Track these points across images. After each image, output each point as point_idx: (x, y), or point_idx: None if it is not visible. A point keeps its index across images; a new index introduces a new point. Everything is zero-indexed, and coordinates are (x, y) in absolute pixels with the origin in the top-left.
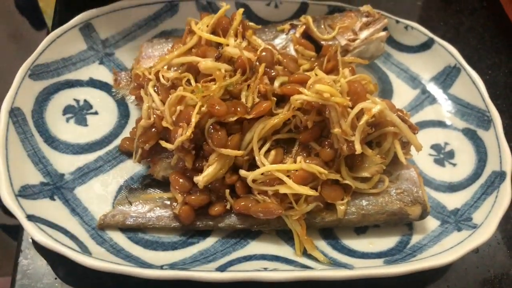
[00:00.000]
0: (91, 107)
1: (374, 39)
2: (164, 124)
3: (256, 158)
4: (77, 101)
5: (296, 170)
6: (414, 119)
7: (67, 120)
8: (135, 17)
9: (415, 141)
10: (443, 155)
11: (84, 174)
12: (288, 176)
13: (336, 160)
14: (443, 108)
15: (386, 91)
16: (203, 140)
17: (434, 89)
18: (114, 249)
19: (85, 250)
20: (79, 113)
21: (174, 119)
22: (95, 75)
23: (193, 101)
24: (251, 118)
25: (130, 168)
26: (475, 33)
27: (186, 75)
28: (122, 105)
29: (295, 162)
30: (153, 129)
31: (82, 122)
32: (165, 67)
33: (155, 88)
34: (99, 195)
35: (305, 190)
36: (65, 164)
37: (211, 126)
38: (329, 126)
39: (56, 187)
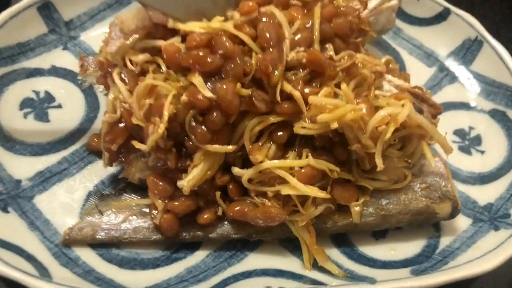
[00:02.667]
0: (53, 99)
1: (384, 9)
2: (134, 120)
3: (250, 155)
4: (37, 93)
5: (302, 167)
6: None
7: (25, 115)
8: None
9: (445, 144)
10: (468, 142)
11: (46, 179)
12: (291, 174)
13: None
14: (465, 87)
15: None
16: (185, 136)
17: (453, 66)
18: (82, 271)
19: (44, 273)
20: (39, 107)
21: (144, 113)
22: (58, 62)
23: (166, 90)
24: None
25: (101, 170)
26: (491, 3)
27: (155, 59)
28: (90, 95)
29: (299, 157)
30: (121, 125)
31: (43, 117)
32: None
33: (122, 75)
34: (63, 204)
35: (313, 191)
36: (22, 168)
37: (193, 119)
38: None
39: (11, 196)
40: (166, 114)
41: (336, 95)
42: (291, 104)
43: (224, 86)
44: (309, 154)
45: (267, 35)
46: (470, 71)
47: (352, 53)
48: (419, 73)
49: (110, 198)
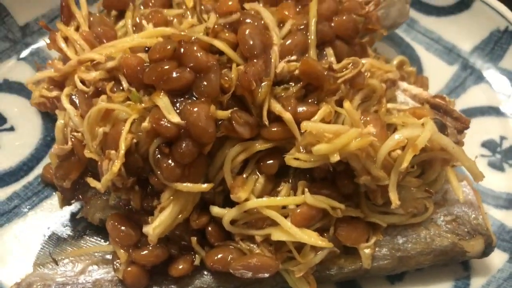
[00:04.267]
0: (4, 120)
1: (396, 0)
2: (87, 153)
3: (231, 193)
4: None
5: (298, 205)
6: (455, 107)
7: None
8: None
9: (475, 170)
10: (500, 155)
11: None
12: (284, 213)
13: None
14: (494, 89)
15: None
16: (149, 170)
17: (478, 63)
18: None
19: None
20: None
21: (99, 144)
22: (12, 75)
23: (125, 113)
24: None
25: (57, 207)
26: None
27: (115, 73)
28: (48, 115)
29: (293, 190)
30: (74, 157)
31: None
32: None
33: (73, 97)
34: (12, 250)
35: (311, 238)
36: None
37: (158, 150)
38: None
39: None
40: (123, 147)
41: (338, 115)
42: (281, 128)
43: (196, 109)
44: (306, 188)
45: (250, 41)
46: (499, 69)
47: (357, 60)
48: (439, 73)
49: (67, 242)
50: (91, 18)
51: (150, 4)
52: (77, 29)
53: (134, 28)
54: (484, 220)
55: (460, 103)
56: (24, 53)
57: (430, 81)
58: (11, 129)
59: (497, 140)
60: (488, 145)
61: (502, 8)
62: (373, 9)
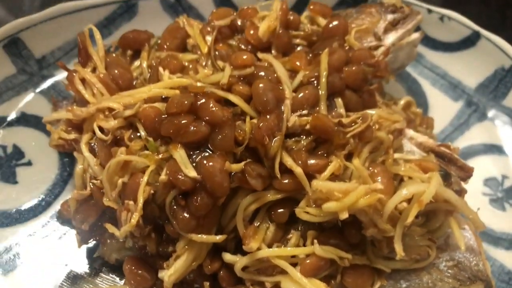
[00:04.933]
0: (22, 155)
1: (404, 44)
2: (106, 201)
3: (244, 243)
4: (4, 147)
5: (307, 255)
6: (459, 144)
7: None
8: (80, 25)
9: (477, 221)
10: (501, 194)
11: (12, 257)
12: (293, 262)
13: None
14: (497, 127)
15: (418, 106)
16: (165, 219)
17: (482, 100)
18: None
19: None
20: (6, 165)
21: (118, 193)
22: (29, 108)
23: (143, 164)
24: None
25: (75, 245)
26: None
27: (132, 120)
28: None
29: (303, 238)
30: (93, 201)
31: (10, 178)
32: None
33: (92, 144)
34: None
35: None
36: None
37: (174, 201)
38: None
39: None
40: (141, 200)
41: (346, 168)
42: (292, 180)
43: (211, 163)
44: (315, 240)
45: (264, 97)
46: (502, 107)
47: (365, 115)
48: (444, 109)
49: (84, 280)
50: (108, 59)
51: (165, 47)
52: (93, 70)
53: (149, 70)
54: (485, 266)
55: (464, 141)
56: (41, 86)
57: (435, 117)
58: (29, 163)
59: (499, 178)
60: (490, 183)
61: (507, 46)
62: (382, 58)
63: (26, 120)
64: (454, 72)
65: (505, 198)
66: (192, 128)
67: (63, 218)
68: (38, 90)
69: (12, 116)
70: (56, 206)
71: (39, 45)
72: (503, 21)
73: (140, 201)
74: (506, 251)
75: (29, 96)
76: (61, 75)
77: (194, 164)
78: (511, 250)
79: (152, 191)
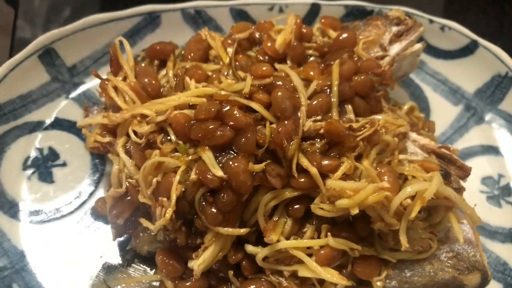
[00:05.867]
0: (57, 156)
1: (408, 54)
2: (141, 198)
3: (264, 236)
4: (40, 150)
5: (321, 246)
6: (458, 146)
7: (29, 177)
8: (108, 35)
9: (474, 216)
10: (497, 192)
11: (52, 249)
12: (309, 252)
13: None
14: (493, 130)
15: (421, 110)
16: (194, 214)
17: (480, 105)
18: None
19: None
20: (43, 166)
21: (152, 191)
22: (62, 113)
23: (174, 165)
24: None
25: (108, 238)
26: None
27: (163, 125)
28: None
29: (317, 231)
30: (127, 198)
31: (47, 177)
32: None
33: (127, 147)
34: (70, 278)
35: (333, 276)
36: (27, 237)
37: (202, 198)
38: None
39: (15, 270)
40: (174, 196)
41: (356, 168)
42: (308, 179)
43: (236, 164)
44: (329, 233)
45: (283, 105)
46: (498, 111)
47: (373, 121)
48: (444, 113)
49: (118, 270)
50: (137, 68)
51: (189, 57)
52: (124, 78)
53: (175, 79)
54: (482, 257)
55: (463, 142)
56: (73, 93)
57: (436, 120)
58: (64, 164)
59: (495, 177)
60: (487, 182)
61: (503, 54)
62: (388, 68)
63: (60, 124)
64: (454, 79)
65: (501, 196)
66: (218, 132)
67: (96, 214)
68: (70, 96)
69: (47, 120)
70: (90, 204)
71: (70, 55)
72: (501, 29)
73: (173, 197)
74: (502, 244)
75: (62, 102)
76: (90, 83)
77: (220, 165)
78: (506, 243)
79: (183, 189)
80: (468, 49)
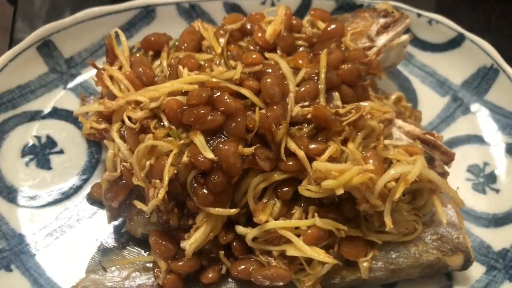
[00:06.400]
0: (55, 144)
1: (395, 45)
2: (135, 181)
3: (254, 216)
4: (38, 138)
5: (309, 226)
6: (445, 135)
7: (27, 163)
8: (104, 28)
9: (456, 198)
10: (482, 179)
11: (49, 233)
12: (297, 233)
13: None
14: (479, 120)
15: (409, 101)
16: (186, 195)
17: (467, 96)
18: None
19: None
20: (40, 153)
21: (145, 174)
22: (59, 103)
23: (167, 148)
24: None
25: (104, 222)
26: (510, 21)
27: (157, 112)
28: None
29: (305, 213)
30: (122, 181)
31: (45, 164)
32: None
33: (122, 132)
34: (67, 259)
35: (319, 255)
36: (25, 221)
37: (194, 179)
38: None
39: (14, 252)
40: (166, 178)
41: (342, 152)
42: (295, 162)
43: (226, 147)
44: (316, 214)
45: (271, 90)
46: (484, 102)
47: (359, 106)
48: (432, 104)
49: (113, 252)
50: (132, 59)
51: (183, 48)
52: (120, 68)
53: (169, 68)
54: (465, 239)
55: (450, 132)
56: (70, 83)
57: (424, 111)
58: (61, 152)
59: (480, 165)
60: (473, 170)
61: (489, 47)
62: (374, 57)
63: (57, 113)
64: (441, 71)
65: (486, 183)
66: (209, 117)
67: (92, 199)
68: (67, 87)
69: (45, 109)
70: (86, 189)
71: (67, 47)
72: (489, 24)
73: (166, 178)
74: (486, 228)
75: (60, 93)
76: (87, 74)
77: (211, 148)
78: (490, 227)
79: (175, 171)
80: (455, 42)
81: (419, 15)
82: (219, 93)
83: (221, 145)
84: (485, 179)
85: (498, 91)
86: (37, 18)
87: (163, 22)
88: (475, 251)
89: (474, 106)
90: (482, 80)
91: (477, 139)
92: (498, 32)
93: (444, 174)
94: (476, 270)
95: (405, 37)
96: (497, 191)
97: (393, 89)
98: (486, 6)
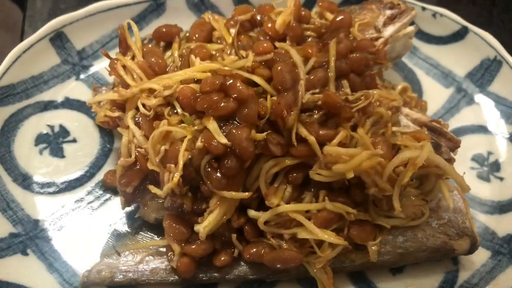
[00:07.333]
0: (68, 133)
1: (401, 36)
2: (150, 166)
3: (266, 199)
4: (51, 127)
5: (319, 210)
6: (450, 125)
7: (41, 151)
8: (115, 21)
9: (462, 183)
10: (487, 168)
11: (64, 219)
12: (308, 216)
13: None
14: (483, 110)
15: (414, 92)
16: (200, 180)
17: (471, 87)
18: None
19: None
20: (54, 142)
21: (160, 159)
22: (72, 93)
23: (181, 134)
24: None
25: (117, 208)
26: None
27: (170, 100)
28: (103, 128)
29: (315, 198)
30: (136, 167)
31: (58, 153)
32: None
33: (136, 119)
34: (81, 244)
35: (330, 237)
36: (40, 207)
37: (207, 164)
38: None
39: (30, 237)
40: (181, 163)
41: (352, 138)
42: (306, 147)
43: (239, 132)
44: (326, 197)
45: (283, 78)
46: (488, 93)
47: (368, 93)
48: (436, 95)
49: (126, 237)
50: (144, 49)
51: (194, 38)
52: (132, 58)
53: (180, 59)
54: (471, 224)
55: (454, 122)
56: (82, 74)
57: (429, 102)
58: (74, 140)
59: (485, 154)
60: (477, 159)
61: (492, 39)
62: (382, 47)
63: (70, 103)
64: (445, 63)
65: (490, 171)
66: (222, 103)
67: (106, 186)
68: (79, 78)
69: (57, 99)
70: (100, 176)
71: (79, 39)
72: (490, 19)
73: (181, 162)
74: (491, 215)
75: (72, 83)
76: (98, 65)
77: (224, 134)
78: (494, 214)
79: (189, 156)
80: (459, 35)
81: (423, 8)
82: (231, 80)
83: (234, 131)
84: (489, 168)
85: (502, 82)
86: (45, 21)
87: (173, 15)
88: (481, 236)
89: (478, 97)
90: (486, 71)
91: (481, 129)
92: (499, 26)
93: (450, 161)
94: (482, 255)
95: (411, 28)
96: (501, 179)
97: (398, 81)
98: (487, 1)
